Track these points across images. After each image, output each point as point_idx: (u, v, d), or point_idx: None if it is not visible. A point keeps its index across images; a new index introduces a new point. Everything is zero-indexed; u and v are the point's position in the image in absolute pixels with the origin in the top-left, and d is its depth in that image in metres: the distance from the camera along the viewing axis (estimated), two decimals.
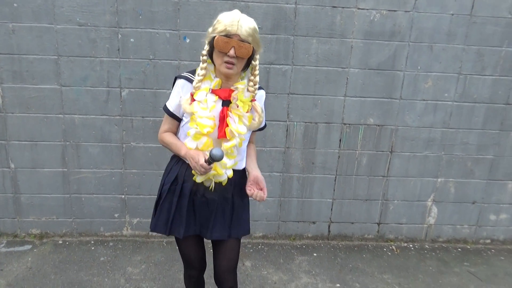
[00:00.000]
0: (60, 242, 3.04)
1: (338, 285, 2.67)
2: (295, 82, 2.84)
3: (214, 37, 1.45)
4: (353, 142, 2.99)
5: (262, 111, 1.64)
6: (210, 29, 1.50)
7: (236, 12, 1.47)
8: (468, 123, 2.99)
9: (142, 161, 2.93)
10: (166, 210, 1.67)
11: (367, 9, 2.71)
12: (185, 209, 1.63)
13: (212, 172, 1.54)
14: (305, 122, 2.93)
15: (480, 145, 3.04)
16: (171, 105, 1.61)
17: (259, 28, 2.58)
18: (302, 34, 2.74)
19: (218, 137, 1.52)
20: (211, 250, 1.83)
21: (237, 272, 1.96)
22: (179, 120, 1.64)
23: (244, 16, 1.46)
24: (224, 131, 1.51)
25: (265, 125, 1.76)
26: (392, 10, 2.72)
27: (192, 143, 1.55)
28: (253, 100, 1.59)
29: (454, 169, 3.09)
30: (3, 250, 2.89)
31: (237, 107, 1.53)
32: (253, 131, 1.72)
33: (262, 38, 2.66)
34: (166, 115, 1.65)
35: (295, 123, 2.92)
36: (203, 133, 1.51)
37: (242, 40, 1.43)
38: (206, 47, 1.53)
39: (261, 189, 1.63)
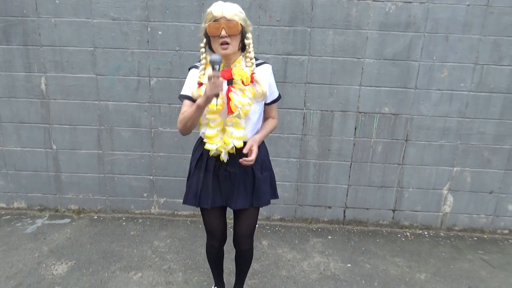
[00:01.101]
0: (95, 217, 3.35)
1: (349, 265, 2.81)
2: (312, 72, 2.97)
3: (206, 27, 1.66)
4: (368, 130, 3.09)
5: (269, 84, 1.81)
6: (202, 24, 1.72)
7: (219, 1, 1.68)
8: (485, 113, 3.01)
9: (169, 145, 3.17)
10: (194, 185, 1.89)
11: (382, 1, 2.80)
12: (211, 183, 1.85)
13: (221, 143, 1.74)
14: (321, 111, 3.06)
15: (498, 135, 3.06)
16: (183, 89, 1.83)
17: (277, 21, 2.78)
18: (318, 26, 2.87)
19: (228, 113, 1.72)
20: (231, 229, 2.03)
21: (254, 250, 2.16)
22: (194, 101, 1.81)
23: (227, 2, 1.66)
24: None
25: (279, 96, 1.95)
26: (407, 2, 2.80)
27: (204, 121, 1.76)
28: (252, 73, 1.76)
29: (470, 158, 3.13)
30: (46, 222, 3.23)
31: (238, 81, 1.71)
32: (267, 104, 1.89)
33: (280, 30, 2.83)
34: (183, 102, 1.83)
35: (312, 111, 3.06)
36: (214, 110, 1.70)
37: (229, 20, 1.63)
38: (204, 40, 1.75)
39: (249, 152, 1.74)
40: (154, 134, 3.15)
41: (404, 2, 2.80)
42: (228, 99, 1.71)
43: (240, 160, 1.71)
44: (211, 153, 1.79)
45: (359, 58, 2.93)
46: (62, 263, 2.69)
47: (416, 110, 3.02)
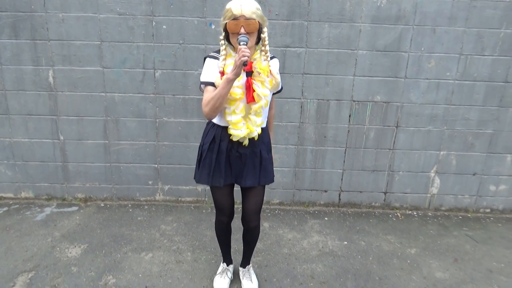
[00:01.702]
0: (102, 205, 3.48)
1: (345, 242, 3.02)
2: (309, 63, 3.16)
3: (226, 23, 1.80)
4: (361, 118, 3.30)
5: (277, 74, 1.99)
6: (221, 19, 1.85)
7: None
8: (469, 100, 3.25)
9: (173, 134, 3.32)
10: (207, 165, 2.05)
11: None
12: (223, 163, 2.02)
13: (247, 130, 1.92)
14: (318, 100, 3.25)
15: (480, 120, 3.30)
16: (205, 77, 1.93)
17: (276, 14, 2.94)
18: (315, 19, 3.05)
19: (247, 102, 1.90)
20: (239, 210, 2.21)
21: (259, 235, 2.34)
22: (215, 86, 1.92)
23: (245, 0, 1.78)
24: (252, 96, 1.87)
25: (282, 88, 2.16)
26: None
27: (229, 110, 1.92)
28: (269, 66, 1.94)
29: (455, 142, 3.36)
30: (55, 210, 3.36)
31: (259, 74, 1.88)
32: (272, 94, 2.08)
33: (279, 24, 3.00)
34: (204, 87, 1.93)
35: (309, 100, 3.25)
36: (236, 98, 1.87)
37: (248, 18, 1.77)
38: (223, 33, 1.89)
39: None
40: (159, 124, 3.30)
41: None
42: (252, 90, 1.86)
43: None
44: (235, 138, 1.95)
45: (353, 50, 3.12)
46: (75, 246, 2.83)
47: (406, 98, 3.24)
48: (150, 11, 3.02)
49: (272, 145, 2.23)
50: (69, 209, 3.38)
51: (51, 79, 3.16)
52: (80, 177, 3.44)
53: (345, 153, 3.40)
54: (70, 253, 2.74)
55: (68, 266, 2.59)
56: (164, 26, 3.06)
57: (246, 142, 1.99)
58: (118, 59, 3.12)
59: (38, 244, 2.83)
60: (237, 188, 2.22)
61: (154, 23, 3.05)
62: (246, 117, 1.95)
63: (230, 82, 1.78)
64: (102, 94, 3.21)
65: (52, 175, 3.43)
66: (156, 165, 3.42)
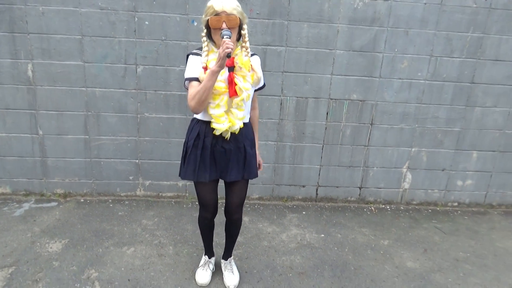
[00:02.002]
0: (82, 200, 3.48)
1: (322, 235, 3.14)
2: (288, 62, 3.25)
3: (208, 19, 1.87)
4: (338, 115, 3.43)
5: (259, 69, 2.07)
6: (203, 15, 1.93)
7: None
8: (438, 99, 3.43)
9: (154, 130, 3.35)
10: (192, 161, 2.10)
11: None
12: (208, 159, 2.07)
13: (229, 124, 1.99)
14: (297, 97, 3.36)
15: (449, 119, 3.49)
16: (189, 73, 1.99)
17: (257, 13, 3.02)
18: (295, 19, 3.15)
19: (230, 96, 1.96)
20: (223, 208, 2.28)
21: (240, 227, 2.42)
22: (200, 82, 1.98)
23: None
24: (235, 90, 1.93)
25: (264, 85, 2.22)
26: None
27: (213, 104, 1.98)
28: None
29: (426, 140, 3.54)
30: (33, 206, 3.33)
31: (240, 69, 1.96)
32: (254, 91, 2.14)
33: (260, 23, 3.08)
34: (189, 83, 2.00)
35: (288, 98, 3.35)
36: (220, 92, 1.95)
37: (229, 14, 1.85)
38: (204, 30, 1.96)
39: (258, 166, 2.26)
40: (140, 119, 3.32)
41: None
42: (234, 84, 1.93)
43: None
44: (217, 132, 2.01)
45: (331, 50, 3.24)
46: (55, 241, 2.82)
47: (380, 97, 3.39)
48: (133, 7, 3.04)
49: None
50: (48, 205, 3.36)
51: (30, 72, 3.12)
52: (59, 173, 3.42)
53: (322, 149, 3.52)
54: (51, 248, 2.74)
55: (49, 260, 2.59)
56: (146, 22, 3.08)
57: (228, 136, 2.05)
58: (99, 54, 3.12)
59: (18, 240, 2.81)
60: (220, 184, 2.28)
61: (136, 18, 3.07)
62: (228, 111, 2.01)
63: (215, 74, 1.85)
64: (83, 88, 3.20)
65: (30, 171, 3.39)
66: (137, 161, 3.44)
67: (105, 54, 3.12)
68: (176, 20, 3.09)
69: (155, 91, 3.24)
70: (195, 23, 3.09)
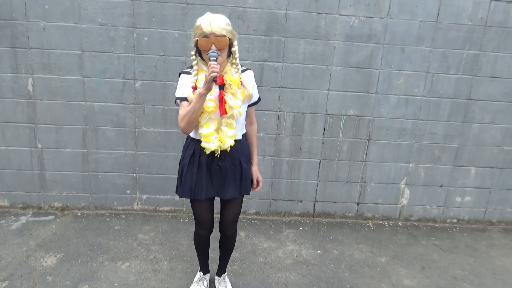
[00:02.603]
0: (79, 214, 3.48)
1: (319, 251, 3.12)
2: (285, 77, 3.28)
3: (197, 40, 1.86)
4: (335, 131, 3.43)
5: (253, 87, 2.07)
6: (192, 35, 1.91)
7: (207, 15, 1.86)
8: (435, 115, 3.43)
9: (152, 144, 3.37)
10: (189, 179, 2.09)
11: (348, 16, 3.16)
12: (204, 177, 2.07)
13: (218, 143, 1.98)
14: (294, 112, 3.37)
15: (446, 135, 3.49)
16: (179, 92, 2.00)
17: (254, 30, 3.06)
18: (291, 36, 3.18)
19: (221, 114, 1.96)
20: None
21: (235, 242, 2.42)
22: (190, 101, 2.00)
23: (215, 15, 1.83)
24: (225, 108, 1.93)
25: (259, 99, 2.21)
26: (369, 17, 3.17)
27: (202, 122, 1.97)
28: (240, 78, 2.00)
29: (423, 155, 3.54)
30: (30, 219, 3.33)
31: (230, 86, 1.95)
32: (249, 106, 2.13)
33: (257, 39, 3.12)
34: (180, 103, 2.00)
35: (285, 113, 3.37)
36: (208, 112, 1.94)
37: (218, 35, 1.83)
38: (194, 49, 1.95)
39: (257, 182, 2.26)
40: (138, 133, 3.34)
41: (366, 17, 3.17)
42: (224, 102, 1.93)
43: (253, 189, 2.24)
44: (208, 151, 2.00)
45: (327, 66, 3.27)
46: (50, 255, 2.82)
47: (377, 112, 3.40)
48: (132, 23, 3.09)
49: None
50: (45, 218, 3.36)
51: (30, 87, 3.17)
52: (57, 186, 3.43)
53: (319, 164, 3.52)
54: (46, 262, 2.74)
55: (43, 275, 2.59)
56: (145, 38, 3.13)
57: (217, 154, 2.03)
58: (99, 69, 3.17)
59: (13, 253, 2.81)
60: (215, 199, 2.27)
61: (135, 34, 3.12)
62: (218, 129, 2.00)
63: (202, 96, 1.85)
64: (82, 103, 3.23)
65: (28, 184, 3.41)
66: (134, 174, 3.45)
67: (104, 69, 3.17)
68: (175, 36, 3.13)
69: (153, 105, 3.27)
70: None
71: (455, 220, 3.76)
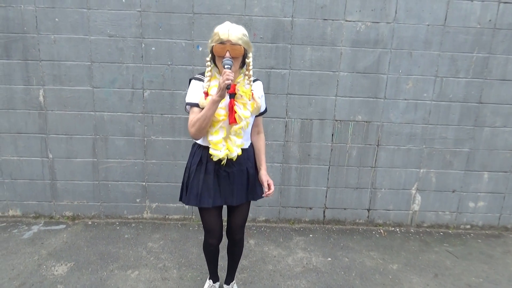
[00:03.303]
0: (90, 223, 3.51)
1: (329, 259, 3.08)
2: (293, 84, 3.28)
3: (213, 46, 1.89)
4: (344, 137, 3.41)
5: (261, 97, 2.09)
6: (209, 41, 1.94)
7: (226, 23, 1.90)
8: (445, 119, 3.39)
9: (161, 152, 3.39)
10: (195, 186, 2.09)
11: (354, 21, 3.16)
12: (211, 183, 2.06)
13: (226, 151, 1.99)
14: (302, 119, 3.37)
15: (457, 139, 3.44)
16: (190, 98, 2.02)
17: (260, 38, 3.07)
18: (298, 42, 3.19)
19: (229, 123, 1.97)
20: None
21: (243, 248, 2.42)
22: (200, 107, 2.00)
23: (234, 25, 1.89)
24: (234, 117, 1.95)
25: (266, 110, 2.23)
26: (375, 22, 3.16)
27: (212, 130, 1.98)
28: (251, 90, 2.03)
29: (434, 160, 3.49)
30: (42, 228, 3.37)
31: (241, 96, 1.97)
32: (256, 116, 2.15)
33: (263, 47, 3.13)
34: (190, 108, 2.02)
35: (293, 119, 3.36)
36: (219, 120, 1.96)
37: (234, 44, 1.86)
38: (209, 55, 1.98)
39: (268, 185, 2.17)
40: (147, 142, 3.37)
41: (373, 22, 3.16)
42: (234, 111, 1.95)
43: (264, 195, 2.16)
44: (215, 158, 2.01)
45: (335, 72, 3.26)
46: (61, 264, 2.84)
47: (386, 117, 3.37)
48: (140, 34, 3.13)
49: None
50: (57, 227, 3.40)
51: (41, 98, 3.23)
52: (68, 195, 3.47)
53: (328, 171, 3.49)
54: (57, 271, 2.76)
55: (54, 284, 2.61)
56: (153, 48, 3.17)
57: (224, 162, 2.04)
58: (108, 79, 3.21)
59: (25, 262, 2.84)
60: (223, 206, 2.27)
61: (143, 45, 3.16)
62: (227, 137, 2.02)
63: (216, 103, 1.86)
64: (92, 113, 3.28)
65: (40, 193, 3.46)
66: (144, 183, 3.47)
67: (113, 79, 3.21)
68: (182, 45, 3.17)
69: (162, 114, 3.30)
70: (200, 48, 3.17)
71: (468, 226, 3.68)
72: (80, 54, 3.15)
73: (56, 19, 3.08)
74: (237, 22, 3.06)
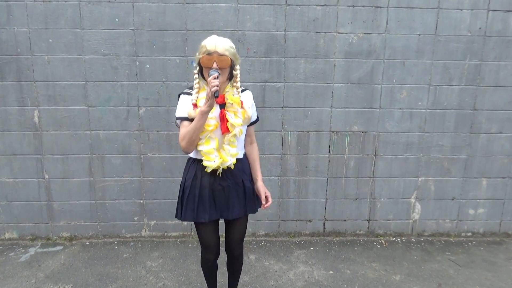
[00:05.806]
0: (87, 243, 3.46)
1: (331, 272, 3.04)
2: (288, 97, 3.29)
3: (200, 58, 1.91)
4: (341, 148, 3.41)
5: (251, 106, 2.10)
6: (197, 54, 1.97)
7: (213, 36, 1.93)
8: (441, 127, 3.40)
9: (158, 169, 3.37)
10: (191, 201, 2.07)
11: (346, 33, 3.19)
12: (207, 198, 2.04)
13: (219, 160, 1.98)
14: (298, 131, 3.37)
15: (454, 146, 3.44)
16: (179, 112, 2.02)
17: (254, 52, 3.09)
18: (291, 56, 3.21)
19: (222, 133, 1.97)
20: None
21: (243, 263, 2.39)
22: (190, 121, 2.00)
23: (220, 37, 1.92)
24: (226, 126, 1.95)
25: (258, 119, 2.23)
26: (367, 33, 3.19)
27: (202, 140, 1.97)
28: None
29: (432, 168, 3.48)
30: (39, 250, 3.32)
31: (231, 105, 1.97)
32: (248, 126, 2.14)
33: (257, 61, 3.15)
34: (180, 122, 2.03)
35: (289, 132, 3.36)
36: (208, 130, 1.95)
37: (221, 55, 1.88)
38: (197, 68, 2.00)
39: (266, 197, 2.14)
40: (144, 160, 3.35)
41: (365, 33, 3.19)
42: (225, 120, 1.95)
43: (262, 207, 2.15)
44: (208, 170, 2.01)
45: (329, 83, 3.28)
46: (59, 287, 2.79)
47: (382, 127, 3.38)
48: (134, 52, 3.15)
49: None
50: (54, 249, 3.35)
51: (36, 119, 3.22)
52: (65, 216, 3.43)
53: (327, 182, 3.48)
54: None
55: None
56: (147, 65, 3.18)
57: (219, 172, 2.03)
58: (103, 98, 3.21)
59: (22, 286, 2.79)
60: (220, 221, 2.25)
61: (137, 62, 3.17)
62: (220, 147, 2.01)
63: (205, 114, 1.87)
64: (87, 132, 3.27)
65: (36, 215, 3.42)
66: (141, 201, 3.44)
67: (108, 98, 3.21)
68: (176, 62, 3.18)
69: (158, 131, 3.29)
70: (195, 64, 3.17)
71: (469, 234, 3.66)
72: (74, 74, 3.16)
73: (50, 40, 3.09)
74: (230, 38, 3.10)
